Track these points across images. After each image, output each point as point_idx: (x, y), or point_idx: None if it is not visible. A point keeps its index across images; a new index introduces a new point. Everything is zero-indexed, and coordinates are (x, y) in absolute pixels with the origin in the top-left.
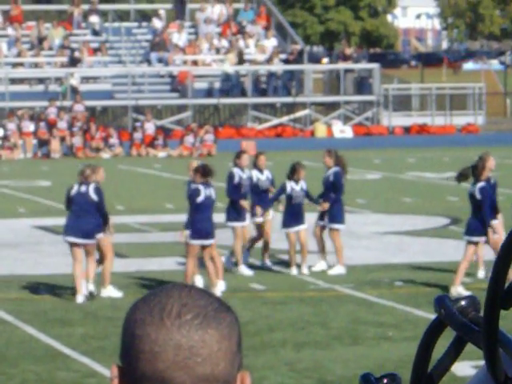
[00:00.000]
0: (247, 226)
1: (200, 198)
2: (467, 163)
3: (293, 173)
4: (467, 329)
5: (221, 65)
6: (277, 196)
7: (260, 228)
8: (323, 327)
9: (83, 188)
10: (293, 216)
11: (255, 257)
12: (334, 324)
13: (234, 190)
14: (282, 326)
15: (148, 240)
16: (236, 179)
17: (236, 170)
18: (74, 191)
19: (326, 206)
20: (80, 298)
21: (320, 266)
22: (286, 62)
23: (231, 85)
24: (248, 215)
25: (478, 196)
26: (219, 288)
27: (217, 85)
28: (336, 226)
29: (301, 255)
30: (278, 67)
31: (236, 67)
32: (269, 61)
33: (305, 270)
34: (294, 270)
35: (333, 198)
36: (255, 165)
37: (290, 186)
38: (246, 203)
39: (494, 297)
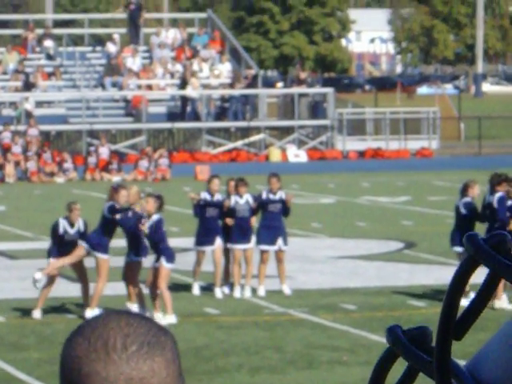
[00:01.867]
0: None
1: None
2: (421, 187)
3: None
4: (419, 359)
5: (175, 89)
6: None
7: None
8: (278, 351)
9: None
10: (240, 232)
11: (208, 280)
12: (288, 348)
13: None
14: (237, 350)
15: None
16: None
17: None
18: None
19: (291, 196)
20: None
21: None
22: (232, 86)
23: (194, 109)
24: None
25: (463, 210)
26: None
27: (176, 109)
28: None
29: (245, 274)
30: (232, 91)
31: (196, 91)
32: (232, 85)
33: (248, 292)
34: (237, 291)
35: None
36: (208, 189)
37: (235, 199)
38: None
39: (447, 327)
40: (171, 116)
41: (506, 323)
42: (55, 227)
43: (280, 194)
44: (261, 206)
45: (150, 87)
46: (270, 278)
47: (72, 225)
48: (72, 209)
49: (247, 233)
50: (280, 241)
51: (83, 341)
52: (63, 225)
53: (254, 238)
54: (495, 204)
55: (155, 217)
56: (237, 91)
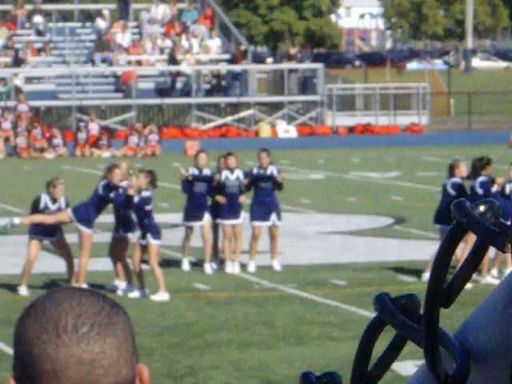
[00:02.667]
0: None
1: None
2: (411, 163)
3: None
4: (407, 327)
5: (165, 65)
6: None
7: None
8: (268, 327)
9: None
10: (229, 208)
11: (198, 256)
12: (278, 324)
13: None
14: (227, 325)
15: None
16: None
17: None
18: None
19: (282, 176)
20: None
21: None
22: (230, 62)
23: (189, 85)
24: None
25: (451, 191)
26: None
27: (165, 84)
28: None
29: (235, 250)
30: (222, 67)
31: (189, 67)
32: (232, 60)
33: (236, 268)
34: (229, 267)
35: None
36: (196, 164)
37: (225, 174)
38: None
39: (434, 295)
40: (160, 92)
41: (494, 291)
42: (36, 202)
43: (271, 169)
44: (252, 181)
45: (139, 63)
46: (259, 254)
47: (54, 201)
48: (55, 184)
49: (237, 209)
50: (274, 216)
51: (35, 321)
52: (45, 200)
53: (243, 214)
54: (478, 189)
55: (144, 193)
56: (224, 67)
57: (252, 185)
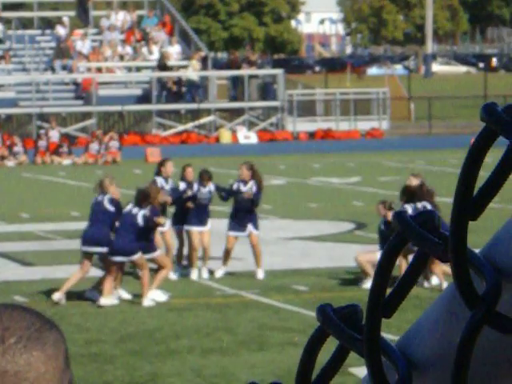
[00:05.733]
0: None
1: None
2: (372, 168)
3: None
4: (349, 337)
5: (124, 71)
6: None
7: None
8: (229, 333)
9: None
10: (197, 215)
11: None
12: (240, 330)
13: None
14: (189, 332)
15: (53, 248)
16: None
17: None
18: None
19: (250, 193)
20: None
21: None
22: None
23: (197, 90)
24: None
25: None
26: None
27: (146, 92)
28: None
29: (203, 258)
30: (181, 73)
31: (195, 73)
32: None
33: (205, 274)
34: (194, 273)
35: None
36: (158, 173)
37: (198, 187)
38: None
39: (376, 305)
40: (144, 99)
41: (436, 301)
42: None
43: (251, 185)
44: (232, 195)
45: (99, 70)
46: (217, 260)
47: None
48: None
49: (204, 216)
50: (250, 226)
51: None
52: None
53: (210, 221)
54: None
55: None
56: (183, 73)
57: (230, 196)
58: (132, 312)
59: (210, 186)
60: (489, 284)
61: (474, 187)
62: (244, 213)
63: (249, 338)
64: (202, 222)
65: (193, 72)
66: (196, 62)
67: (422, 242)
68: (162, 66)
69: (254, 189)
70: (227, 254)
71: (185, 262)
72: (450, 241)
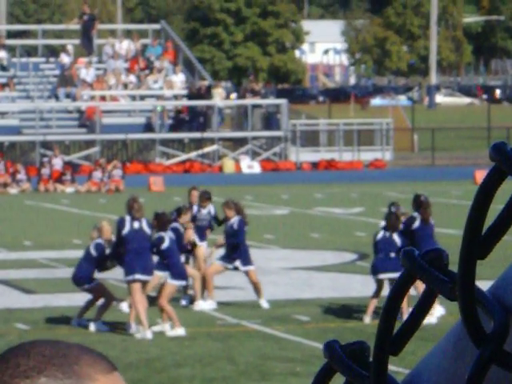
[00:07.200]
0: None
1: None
2: (375, 198)
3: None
4: (356, 374)
5: (128, 100)
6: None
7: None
8: (231, 363)
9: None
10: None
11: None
12: (241, 359)
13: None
14: (190, 361)
15: (55, 276)
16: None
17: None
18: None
19: (221, 241)
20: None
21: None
22: (193, 97)
23: (221, 118)
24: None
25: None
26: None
27: (141, 120)
28: (252, 267)
29: (206, 288)
30: (185, 102)
31: (222, 102)
32: (195, 95)
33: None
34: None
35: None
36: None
37: (197, 208)
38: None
39: (383, 342)
40: (148, 127)
41: (444, 337)
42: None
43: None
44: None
45: (103, 98)
46: (221, 290)
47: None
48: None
49: (203, 238)
50: (238, 262)
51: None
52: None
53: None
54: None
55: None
56: (192, 102)
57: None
58: (133, 341)
59: (210, 208)
60: (496, 323)
61: (483, 227)
62: (230, 247)
63: (250, 367)
64: (200, 239)
65: (220, 100)
66: (222, 90)
67: (430, 280)
68: (194, 94)
69: (212, 212)
70: (207, 282)
71: (191, 292)
72: (458, 280)
